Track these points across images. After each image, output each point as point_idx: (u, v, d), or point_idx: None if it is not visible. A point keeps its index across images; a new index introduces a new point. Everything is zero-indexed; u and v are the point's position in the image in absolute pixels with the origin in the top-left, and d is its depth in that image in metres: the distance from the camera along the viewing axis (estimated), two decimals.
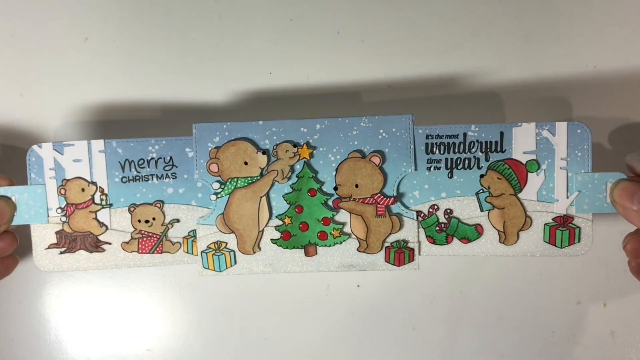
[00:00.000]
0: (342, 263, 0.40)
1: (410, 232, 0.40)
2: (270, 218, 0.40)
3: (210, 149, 0.40)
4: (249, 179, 0.40)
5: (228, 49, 0.46)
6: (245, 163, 0.40)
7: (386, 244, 0.40)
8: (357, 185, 0.40)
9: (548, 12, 0.46)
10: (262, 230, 0.40)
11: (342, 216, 0.40)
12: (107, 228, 0.41)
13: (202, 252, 0.40)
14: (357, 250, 0.40)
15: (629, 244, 0.38)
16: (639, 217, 0.36)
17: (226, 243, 0.41)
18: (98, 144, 0.40)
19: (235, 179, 0.40)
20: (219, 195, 0.40)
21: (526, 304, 0.46)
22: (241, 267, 0.41)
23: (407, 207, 0.40)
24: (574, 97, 0.46)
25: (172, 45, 0.46)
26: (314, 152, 0.40)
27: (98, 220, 0.41)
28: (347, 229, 0.40)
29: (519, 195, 0.39)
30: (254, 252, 0.41)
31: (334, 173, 0.40)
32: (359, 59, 0.46)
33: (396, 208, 0.40)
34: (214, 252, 0.40)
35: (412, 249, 0.40)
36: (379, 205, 0.40)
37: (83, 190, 0.40)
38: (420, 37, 0.46)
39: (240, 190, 0.40)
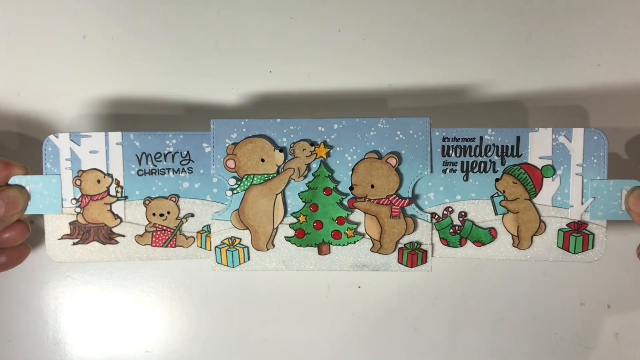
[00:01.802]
0: (355, 263, 0.41)
1: (424, 233, 0.40)
2: (285, 215, 0.40)
3: (227, 145, 0.40)
4: (265, 176, 0.40)
5: (228, 47, 0.46)
6: (262, 160, 0.40)
7: (400, 245, 0.40)
8: (372, 186, 0.40)
9: (551, 10, 0.45)
10: (277, 228, 0.40)
11: (357, 216, 0.40)
12: (121, 220, 0.41)
13: (216, 247, 0.41)
14: (371, 250, 0.40)
15: None
16: None
17: (240, 239, 0.41)
18: (115, 136, 0.40)
19: (252, 176, 0.40)
20: (234, 191, 0.40)
21: (529, 306, 0.46)
22: (254, 264, 0.41)
23: (421, 209, 0.40)
24: (579, 99, 0.45)
25: (170, 43, 0.46)
26: (331, 151, 0.40)
27: (112, 212, 0.41)
28: (361, 229, 0.40)
29: (534, 200, 0.40)
30: (268, 249, 0.41)
31: (350, 173, 0.40)
32: (360, 57, 0.45)
33: (411, 209, 0.40)
34: (227, 247, 0.41)
35: (425, 251, 0.40)
36: (393, 207, 0.40)
37: (99, 181, 0.40)
38: (422, 36, 0.45)
39: (256, 187, 0.40)
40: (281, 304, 0.46)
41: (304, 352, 0.46)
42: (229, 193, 0.40)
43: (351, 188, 0.40)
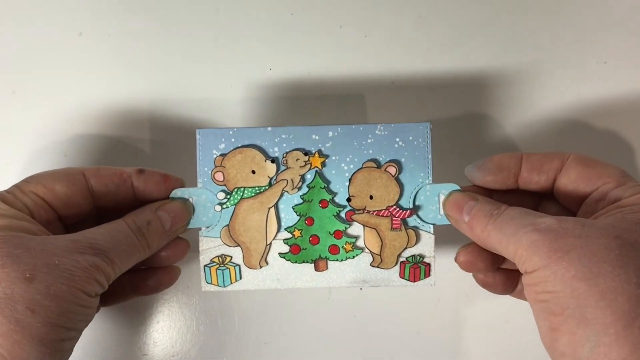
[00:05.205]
0: (355, 278, 0.38)
1: (426, 246, 0.38)
2: (278, 230, 0.38)
3: (215, 156, 0.37)
4: (257, 188, 0.38)
5: (227, 43, 0.45)
6: (253, 172, 0.37)
7: (401, 259, 0.38)
8: (371, 197, 0.38)
9: (557, 6, 0.45)
10: (270, 244, 0.38)
11: (355, 229, 0.38)
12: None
13: (205, 266, 0.38)
14: (371, 265, 0.38)
15: (459, 256, 0.37)
16: (470, 229, 0.34)
17: (231, 257, 0.38)
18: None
19: (242, 189, 0.37)
20: (224, 206, 0.38)
21: None
22: (247, 282, 0.38)
23: (424, 221, 0.38)
24: (584, 97, 0.45)
25: (169, 40, 0.45)
26: (326, 161, 0.38)
27: None
28: (360, 243, 0.38)
29: None
30: (261, 267, 0.38)
31: (347, 183, 0.38)
32: (361, 54, 0.45)
33: (412, 221, 0.38)
34: (217, 266, 0.38)
35: (429, 264, 0.38)
36: (394, 218, 0.38)
37: None
38: (425, 32, 0.45)
39: (247, 200, 0.38)
40: (281, 305, 0.44)
41: (304, 355, 0.44)
42: (218, 208, 0.38)
43: (349, 200, 0.38)
